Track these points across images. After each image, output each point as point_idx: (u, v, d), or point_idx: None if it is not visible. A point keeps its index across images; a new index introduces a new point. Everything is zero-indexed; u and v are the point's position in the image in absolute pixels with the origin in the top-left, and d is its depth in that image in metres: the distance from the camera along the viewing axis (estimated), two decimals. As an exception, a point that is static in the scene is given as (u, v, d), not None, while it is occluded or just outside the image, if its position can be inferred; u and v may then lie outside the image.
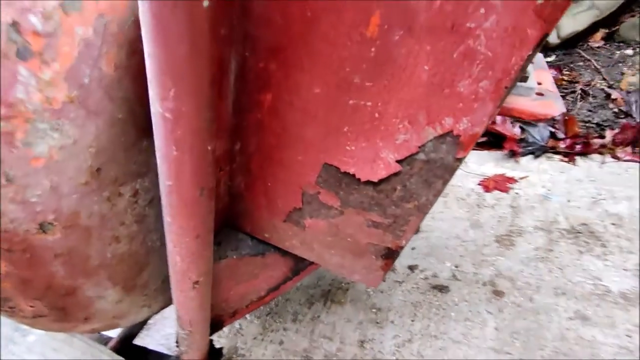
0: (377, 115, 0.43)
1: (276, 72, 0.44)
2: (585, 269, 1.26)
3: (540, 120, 0.48)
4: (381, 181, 0.48)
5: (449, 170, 0.45)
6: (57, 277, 0.41)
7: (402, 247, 0.56)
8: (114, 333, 0.88)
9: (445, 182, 0.46)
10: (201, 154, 0.36)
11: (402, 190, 0.48)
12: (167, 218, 0.43)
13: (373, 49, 0.38)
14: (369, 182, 0.49)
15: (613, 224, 1.40)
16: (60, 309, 0.46)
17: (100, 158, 0.38)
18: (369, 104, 0.42)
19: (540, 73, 0.61)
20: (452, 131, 0.41)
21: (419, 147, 0.43)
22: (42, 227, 0.37)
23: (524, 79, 0.53)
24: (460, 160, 0.43)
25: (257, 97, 0.47)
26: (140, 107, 0.40)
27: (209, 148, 0.36)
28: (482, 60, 0.35)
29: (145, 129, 0.42)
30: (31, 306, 0.44)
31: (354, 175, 0.49)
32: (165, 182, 0.38)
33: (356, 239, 0.57)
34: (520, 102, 0.52)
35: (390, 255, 0.57)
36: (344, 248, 0.59)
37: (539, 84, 0.56)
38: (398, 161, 0.45)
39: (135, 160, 0.43)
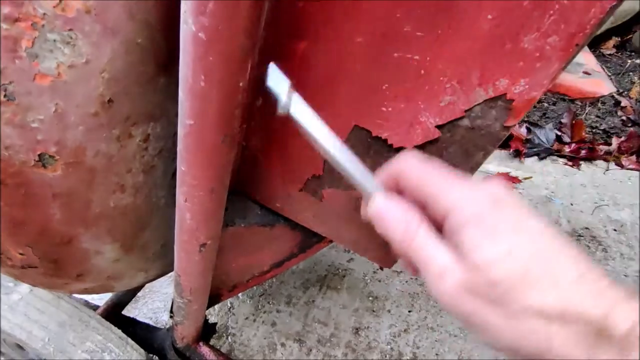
0: (422, 72, 0.39)
1: (315, 15, 0.39)
2: (585, 272, 1.25)
3: (588, 99, 0.44)
4: (415, 148, 0.44)
5: (493, 141, 0.41)
6: (53, 221, 0.37)
7: (424, 226, 0.53)
8: (101, 302, 0.84)
9: (487, 155, 0.42)
10: (231, 90, 0.32)
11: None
12: (181, 166, 0.38)
13: (432, -9, 0.33)
14: (401, 149, 0.45)
15: (615, 230, 1.39)
16: (52, 261, 0.42)
17: (113, 87, 0.33)
18: (416, 57, 0.38)
19: (584, 54, 0.58)
20: (505, 94, 0.37)
21: (465, 112, 0.39)
22: (42, 160, 0.32)
23: (573, 54, 0.50)
24: (507, 129, 0.39)
25: (289, 45, 0.42)
26: (161, 36, 0.35)
27: (241, 85, 0.32)
28: (556, 10, 0.31)
29: (164, 64, 0.37)
30: (21, 254, 0.39)
31: (385, 141, 0.45)
32: (185, 120, 0.33)
33: (376, 213, 0.53)
34: (567, 78, 0.49)
35: (410, 233, 0.54)
36: (362, 223, 0.56)
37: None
38: (438, 126, 0.42)
39: (150, 100, 0.38)
